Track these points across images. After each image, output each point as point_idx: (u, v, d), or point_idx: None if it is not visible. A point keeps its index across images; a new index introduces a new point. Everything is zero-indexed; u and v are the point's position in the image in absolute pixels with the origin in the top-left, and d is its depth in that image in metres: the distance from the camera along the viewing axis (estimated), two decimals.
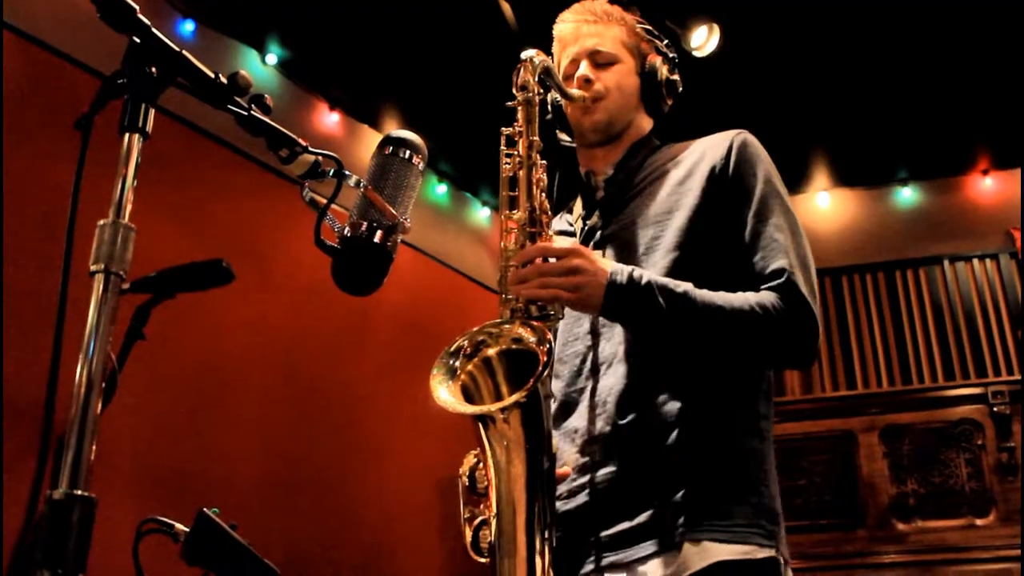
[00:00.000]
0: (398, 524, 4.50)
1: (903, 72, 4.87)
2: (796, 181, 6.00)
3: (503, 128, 1.68)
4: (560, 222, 1.92)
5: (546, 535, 1.42)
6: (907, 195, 6.02)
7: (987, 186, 5.89)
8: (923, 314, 5.79)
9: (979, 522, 3.94)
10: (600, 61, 1.83)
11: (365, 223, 1.29)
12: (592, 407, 1.63)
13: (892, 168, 5.95)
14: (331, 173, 1.28)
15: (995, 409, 4.05)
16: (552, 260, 1.52)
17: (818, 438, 4.26)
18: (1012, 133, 5.17)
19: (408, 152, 1.34)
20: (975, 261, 5.79)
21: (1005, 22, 4.44)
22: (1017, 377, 4.92)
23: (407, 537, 4.53)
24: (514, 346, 1.51)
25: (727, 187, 1.68)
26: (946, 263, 5.82)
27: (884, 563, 3.94)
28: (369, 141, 4.91)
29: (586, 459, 1.60)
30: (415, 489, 4.57)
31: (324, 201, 1.26)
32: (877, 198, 6.10)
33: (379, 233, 1.28)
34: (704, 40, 4.41)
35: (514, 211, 1.62)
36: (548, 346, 1.43)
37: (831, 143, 5.68)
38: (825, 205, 6.13)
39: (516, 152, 1.65)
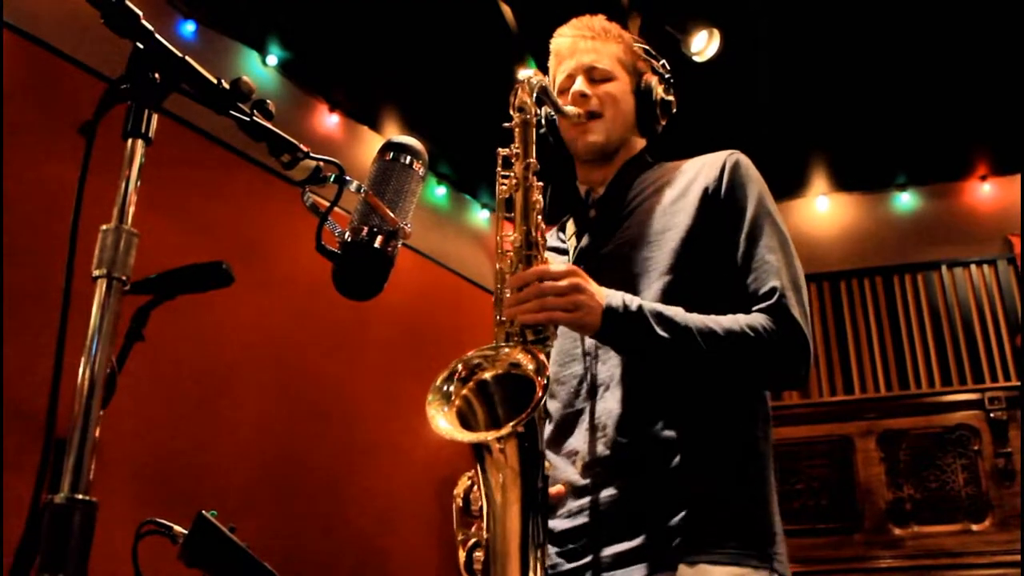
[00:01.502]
0: (396, 525, 4.50)
1: (903, 77, 4.88)
2: (795, 186, 6.01)
3: (500, 149, 1.68)
4: (552, 239, 1.91)
5: (539, 556, 1.42)
6: (906, 200, 6.03)
7: (985, 192, 5.90)
8: (921, 319, 5.80)
9: (975, 527, 3.94)
10: (596, 77, 1.83)
11: (366, 228, 1.29)
12: (592, 430, 1.63)
13: (891, 173, 5.96)
14: (332, 178, 1.29)
15: (992, 415, 4.06)
16: (549, 282, 1.51)
17: (815, 443, 4.26)
18: (1011, 139, 5.18)
19: (409, 158, 1.35)
20: (973, 267, 5.80)
21: (1004, 28, 4.45)
22: (1014, 383, 4.93)
23: (404, 537, 4.53)
24: (511, 371, 1.50)
25: (720, 208, 1.68)
26: (944, 268, 5.83)
27: (881, 568, 3.95)
28: (369, 143, 4.91)
29: (587, 481, 1.60)
30: (412, 490, 4.57)
31: (325, 206, 1.26)
32: (876, 203, 6.11)
33: (380, 238, 1.28)
34: (704, 45, 4.42)
35: (510, 233, 1.62)
36: (546, 379, 1.42)
37: (830, 148, 5.70)
38: (824, 210, 6.14)
39: (512, 173, 1.64)
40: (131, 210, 1.02)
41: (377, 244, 1.28)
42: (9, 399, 2.85)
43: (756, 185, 1.71)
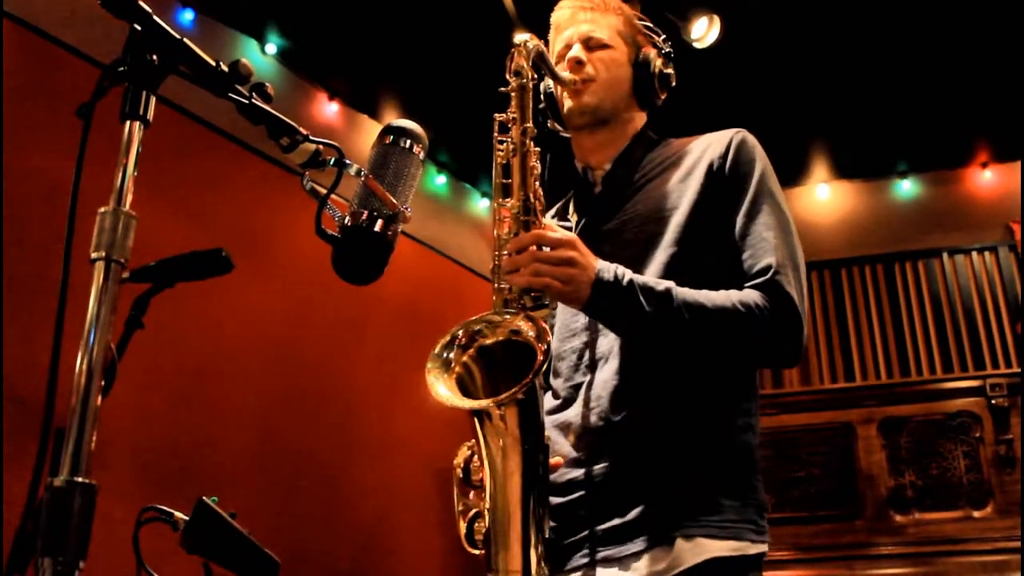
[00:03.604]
0: (396, 513, 4.51)
1: (903, 64, 4.87)
2: (796, 173, 6.00)
3: (496, 114, 1.66)
4: (553, 219, 1.91)
5: (540, 527, 1.42)
6: (906, 188, 6.02)
7: (986, 179, 5.89)
8: (922, 307, 5.79)
9: (976, 514, 3.94)
10: (593, 46, 1.81)
11: (366, 212, 1.28)
12: (587, 402, 1.63)
13: (892, 160, 5.95)
14: (332, 162, 1.28)
15: (993, 402, 4.05)
16: (546, 248, 1.51)
17: (816, 430, 4.26)
18: (1012, 126, 5.16)
19: (409, 141, 1.34)
20: (974, 254, 5.79)
21: (1005, 15, 4.44)
22: (1015, 370, 4.93)
23: (405, 526, 4.54)
24: (512, 337, 1.50)
25: (723, 185, 1.67)
26: (945, 256, 5.82)
27: (882, 555, 3.95)
28: (368, 131, 4.90)
29: (580, 453, 1.60)
30: (413, 478, 4.57)
31: (324, 190, 1.25)
32: (877, 190, 6.10)
33: (380, 222, 1.28)
34: (704, 31, 4.41)
35: (507, 199, 1.61)
36: (547, 345, 1.42)
37: (831, 135, 5.68)
38: (825, 197, 6.13)
39: (509, 139, 1.63)
40: (129, 193, 1.01)
41: (377, 228, 1.28)
42: (9, 388, 2.85)
43: (760, 163, 1.70)
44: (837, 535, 4.05)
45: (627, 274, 1.53)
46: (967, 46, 4.70)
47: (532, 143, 1.63)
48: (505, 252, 1.55)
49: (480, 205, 5.81)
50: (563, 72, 1.77)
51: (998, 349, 5.54)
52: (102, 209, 0.99)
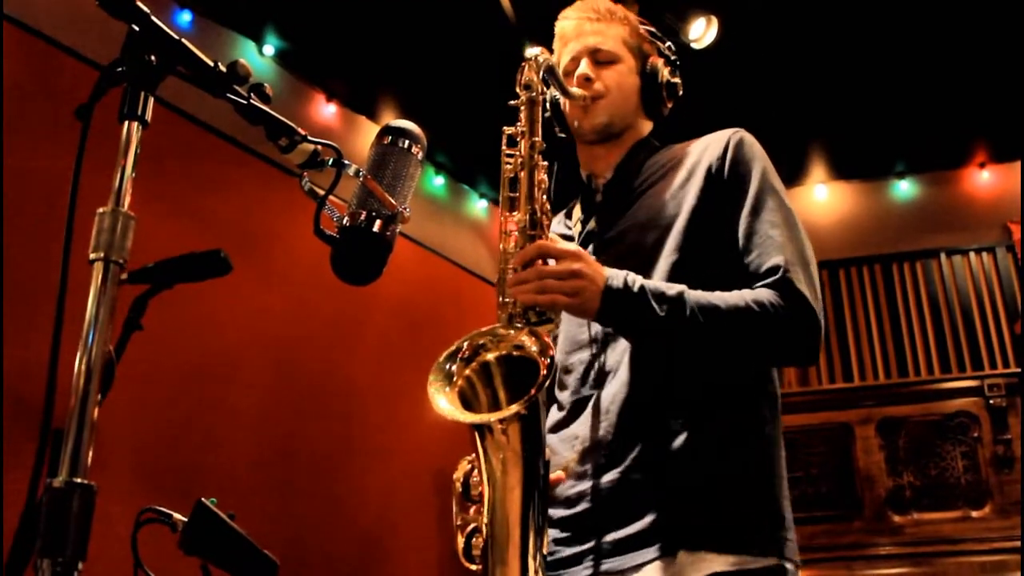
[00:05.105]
0: (395, 515, 4.50)
1: (901, 65, 4.87)
2: (794, 174, 6.00)
3: (505, 127, 1.66)
4: (559, 225, 1.90)
5: (539, 543, 1.40)
6: (904, 188, 6.02)
7: (984, 179, 5.90)
8: (920, 307, 5.79)
9: (975, 514, 3.95)
10: (601, 60, 1.81)
11: (364, 212, 1.28)
12: (595, 415, 1.62)
13: (890, 161, 5.95)
14: (330, 163, 1.28)
15: (991, 402, 4.06)
16: (552, 262, 1.50)
17: (815, 431, 4.26)
18: (1010, 127, 5.17)
19: (407, 142, 1.34)
20: (972, 254, 5.80)
21: (1003, 15, 4.44)
22: (1013, 370, 4.93)
23: (404, 528, 4.53)
24: (515, 352, 1.48)
25: (724, 187, 1.66)
26: (943, 256, 5.82)
27: (880, 555, 3.95)
28: (366, 132, 4.90)
29: (586, 467, 1.59)
30: (412, 481, 4.57)
31: (323, 191, 1.25)
32: (874, 191, 6.10)
33: (378, 222, 1.28)
34: (702, 32, 4.41)
35: (514, 212, 1.60)
36: (550, 359, 1.40)
37: (829, 136, 5.68)
38: (822, 198, 6.13)
39: (518, 152, 1.63)
40: (128, 194, 1.01)
41: (376, 228, 1.28)
42: (8, 390, 2.85)
43: (759, 162, 1.69)
44: (835, 535, 4.05)
45: (638, 280, 1.51)
46: (965, 46, 4.71)
47: (540, 157, 1.62)
48: (511, 267, 1.54)
49: (478, 206, 5.80)
50: (572, 88, 1.76)
51: (996, 349, 5.54)
52: (101, 209, 0.99)
